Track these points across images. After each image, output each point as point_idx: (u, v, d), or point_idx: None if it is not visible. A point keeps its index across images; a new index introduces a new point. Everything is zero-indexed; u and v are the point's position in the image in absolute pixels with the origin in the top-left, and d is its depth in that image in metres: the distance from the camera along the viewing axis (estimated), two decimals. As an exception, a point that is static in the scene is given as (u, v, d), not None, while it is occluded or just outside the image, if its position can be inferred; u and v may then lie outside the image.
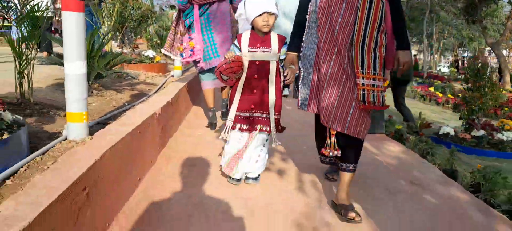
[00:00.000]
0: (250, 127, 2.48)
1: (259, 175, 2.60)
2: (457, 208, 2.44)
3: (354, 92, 2.16)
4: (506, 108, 7.97)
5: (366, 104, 2.12)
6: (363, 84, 2.11)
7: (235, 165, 2.51)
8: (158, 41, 8.27)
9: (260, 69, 2.44)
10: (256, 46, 2.42)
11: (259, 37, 2.43)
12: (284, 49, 2.46)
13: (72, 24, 2.04)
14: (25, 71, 2.85)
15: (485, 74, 5.19)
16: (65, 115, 2.69)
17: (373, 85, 2.12)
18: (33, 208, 1.38)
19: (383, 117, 4.36)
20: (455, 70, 22.40)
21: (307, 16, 2.33)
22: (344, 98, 2.18)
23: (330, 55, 2.21)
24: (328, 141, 2.27)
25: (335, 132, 2.23)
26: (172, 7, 10.20)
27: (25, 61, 2.79)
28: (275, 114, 2.46)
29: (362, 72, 2.11)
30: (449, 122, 6.64)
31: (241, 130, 2.47)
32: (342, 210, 2.21)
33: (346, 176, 2.29)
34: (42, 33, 3.01)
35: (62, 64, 3.86)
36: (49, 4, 4.64)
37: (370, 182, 2.75)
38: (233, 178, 2.54)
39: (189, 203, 2.27)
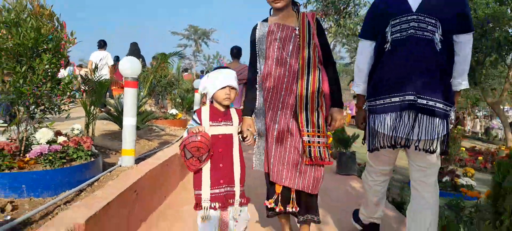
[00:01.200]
0: (224, 203, 2.31)
1: None
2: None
3: (299, 149, 2.32)
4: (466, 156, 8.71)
5: (313, 159, 2.27)
6: (309, 142, 2.27)
7: None
8: (180, 101, 9.78)
9: (224, 142, 2.35)
10: (218, 120, 2.35)
11: (220, 111, 2.37)
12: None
13: (130, 95, 3.39)
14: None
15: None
16: (115, 153, 3.97)
17: (318, 142, 2.29)
18: (108, 197, 2.59)
19: (355, 160, 5.48)
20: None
21: (256, 86, 2.46)
22: (292, 155, 2.33)
23: (277, 117, 2.37)
24: (275, 195, 2.41)
25: (280, 188, 2.37)
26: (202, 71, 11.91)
27: (92, 117, 4.15)
28: (240, 187, 2.37)
29: (307, 131, 2.27)
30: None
31: (215, 208, 2.28)
32: None
33: (306, 229, 2.47)
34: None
35: (110, 120, 5.22)
36: (108, 77, 6.15)
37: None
38: None
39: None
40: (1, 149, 2.63)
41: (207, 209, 2.27)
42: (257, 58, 2.46)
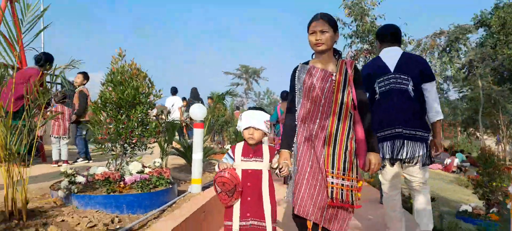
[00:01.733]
0: None
1: None
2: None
3: (324, 189, 2.39)
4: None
5: (334, 201, 2.34)
6: (332, 183, 2.35)
7: None
8: (234, 136, 10.65)
9: (253, 177, 2.50)
10: (249, 155, 2.53)
11: (251, 148, 2.56)
12: (274, 159, 2.54)
13: (198, 134, 4.21)
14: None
15: (492, 161, 6.46)
16: (184, 182, 4.78)
17: (342, 184, 2.35)
18: (185, 215, 3.35)
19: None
20: None
21: (294, 122, 2.58)
22: (321, 194, 2.40)
23: (308, 155, 2.46)
24: None
25: (311, 224, 2.44)
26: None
27: (165, 153, 5.04)
28: (272, 223, 2.48)
29: (332, 172, 2.35)
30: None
31: None
32: None
33: None
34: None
35: (177, 155, 6.09)
36: (178, 118, 7.20)
37: None
38: None
39: None
40: (108, 177, 3.51)
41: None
42: (295, 97, 2.59)
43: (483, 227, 5.66)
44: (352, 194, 2.36)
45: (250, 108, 2.71)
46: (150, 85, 3.81)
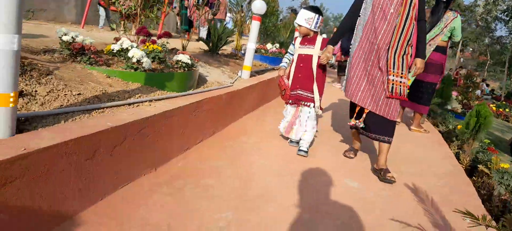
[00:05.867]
0: (297, 102, 3.32)
1: (307, 150, 3.28)
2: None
3: (383, 84, 2.86)
4: None
5: (393, 94, 2.81)
6: (393, 80, 2.81)
7: (291, 130, 3.42)
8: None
9: (305, 60, 3.27)
10: (304, 44, 3.29)
11: (306, 38, 3.31)
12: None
13: (255, 26, 4.67)
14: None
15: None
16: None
17: (400, 82, 2.81)
18: (246, 84, 3.98)
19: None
20: None
21: (355, 26, 3.04)
22: (377, 88, 2.89)
23: (368, 56, 2.92)
24: (355, 116, 3.09)
25: (366, 111, 2.97)
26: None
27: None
28: (319, 95, 3.26)
29: (393, 71, 2.79)
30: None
31: (290, 104, 3.37)
32: (381, 172, 2.91)
33: (384, 146, 2.99)
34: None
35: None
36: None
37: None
38: (292, 141, 3.48)
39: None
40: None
41: (286, 103, 3.44)
42: (363, 6, 2.99)
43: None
44: (404, 89, 2.83)
45: (304, 7, 3.35)
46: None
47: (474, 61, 29.90)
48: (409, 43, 2.83)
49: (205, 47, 6.14)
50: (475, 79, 8.02)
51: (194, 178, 2.46)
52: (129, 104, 2.46)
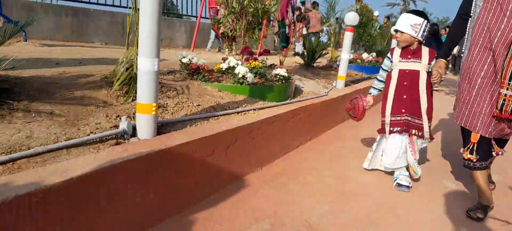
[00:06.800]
0: (406, 130, 2.65)
1: (410, 184, 2.66)
2: None
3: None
4: None
5: (502, 113, 2.17)
6: (505, 95, 2.15)
7: (393, 161, 2.72)
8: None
9: (410, 77, 2.66)
10: (407, 57, 2.68)
11: (411, 49, 2.68)
12: (434, 61, 2.61)
13: (348, 37, 4.84)
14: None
15: None
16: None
17: None
18: (341, 92, 4.19)
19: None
20: None
21: (467, 29, 2.41)
22: (490, 106, 2.24)
23: (482, 65, 2.25)
24: (468, 145, 2.35)
25: (477, 137, 2.30)
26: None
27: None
28: (429, 122, 2.65)
29: (508, 84, 2.13)
30: None
31: (394, 132, 2.68)
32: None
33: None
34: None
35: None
36: None
37: None
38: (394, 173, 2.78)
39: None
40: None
41: (387, 132, 2.72)
42: (473, 3, 2.37)
43: None
44: None
45: (407, 11, 2.75)
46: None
47: None
48: None
49: (301, 61, 6.46)
50: None
51: (295, 176, 2.75)
52: (238, 112, 2.87)
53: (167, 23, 9.10)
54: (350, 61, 7.09)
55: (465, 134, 2.40)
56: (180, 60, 3.60)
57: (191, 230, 1.92)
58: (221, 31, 6.81)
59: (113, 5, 7.63)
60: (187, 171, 2.11)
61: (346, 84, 5.20)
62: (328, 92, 4.46)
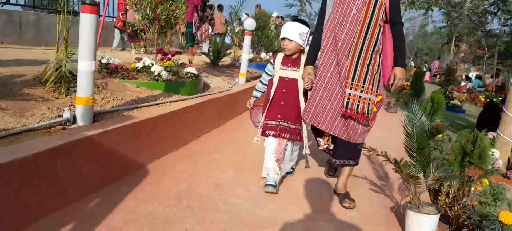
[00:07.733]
0: (279, 135, 2.71)
1: (275, 183, 2.70)
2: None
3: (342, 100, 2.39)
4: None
5: (348, 111, 2.36)
6: (349, 94, 2.35)
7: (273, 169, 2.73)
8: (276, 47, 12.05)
9: (288, 85, 2.72)
10: (287, 65, 2.73)
11: (291, 58, 2.72)
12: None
13: (248, 40, 5.67)
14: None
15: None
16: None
17: (359, 97, 2.35)
18: (238, 89, 4.97)
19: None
20: None
21: (322, 36, 2.52)
22: (335, 104, 2.45)
23: (328, 66, 2.46)
24: (323, 138, 2.72)
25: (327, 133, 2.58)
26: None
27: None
28: (305, 126, 2.73)
29: (351, 84, 2.34)
30: None
31: (269, 135, 2.74)
32: (339, 197, 2.65)
33: (345, 170, 2.69)
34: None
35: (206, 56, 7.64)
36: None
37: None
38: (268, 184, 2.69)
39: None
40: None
41: (258, 134, 2.80)
42: (326, 8, 2.54)
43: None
44: (368, 107, 2.36)
45: (291, 19, 2.93)
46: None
47: (471, 56, 30.47)
48: (376, 49, 2.38)
49: (208, 60, 7.14)
50: (455, 73, 8.94)
51: (205, 154, 3.44)
52: (157, 104, 3.45)
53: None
54: (250, 60, 7.99)
55: (315, 129, 2.68)
56: (99, 60, 4.02)
57: (131, 190, 2.50)
58: (129, 31, 7.15)
59: (9, 3, 7.43)
60: (122, 150, 2.66)
61: (247, 81, 6.04)
62: (231, 88, 5.23)
